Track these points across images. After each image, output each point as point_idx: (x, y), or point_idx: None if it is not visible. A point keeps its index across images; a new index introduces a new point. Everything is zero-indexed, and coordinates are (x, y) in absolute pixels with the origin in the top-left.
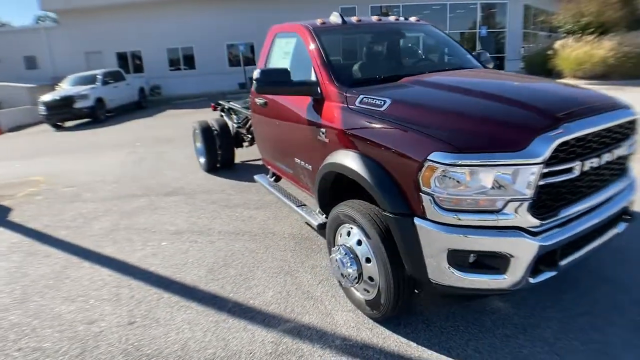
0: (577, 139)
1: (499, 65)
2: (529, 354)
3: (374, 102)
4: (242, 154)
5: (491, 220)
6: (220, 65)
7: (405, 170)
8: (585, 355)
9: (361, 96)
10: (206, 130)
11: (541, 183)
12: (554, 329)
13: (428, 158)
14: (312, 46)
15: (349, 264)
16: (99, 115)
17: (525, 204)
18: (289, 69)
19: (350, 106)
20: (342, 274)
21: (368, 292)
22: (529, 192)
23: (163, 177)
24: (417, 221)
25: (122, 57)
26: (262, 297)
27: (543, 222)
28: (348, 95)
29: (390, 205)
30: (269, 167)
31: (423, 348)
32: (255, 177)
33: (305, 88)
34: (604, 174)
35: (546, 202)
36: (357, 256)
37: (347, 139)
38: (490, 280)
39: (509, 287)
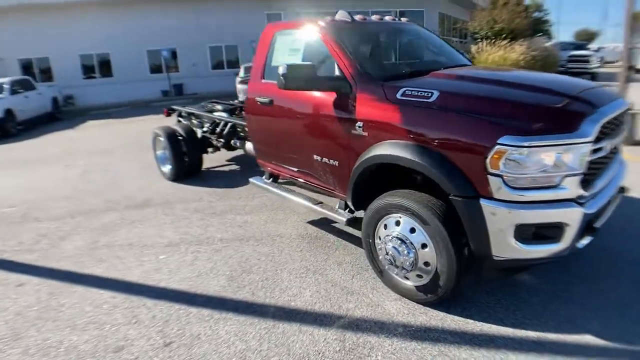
0: (607, 122)
1: None
2: (567, 314)
3: (419, 94)
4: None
5: (551, 195)
6: (141, 72)
7: (470, 155)
8: (610, 308)
9: (403, 89)
10: (172, 136)
11: (588, 159)
12: (580, 292)
13: (498, 142)
14: (333, 43)
15: (405, 252)
16: (9, 128)
17: (578, 178)
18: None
19: (391, 98)
20: (394, 264)
21: (421, 277)
22: (581, 168)
23: (123, 189)
24: (484, 202)
25: (26, 65)
26: (301, 298)
27: (586, 193)
28: (386, 88)
29: (457, 189)
30: (268, 169)
31: (480, 322)
32: (251, 180)
33: (334, 83)
34: (613, 153)
35: (586, 176)
36: (412, 244)
37: (395, 130)
38: (547, 249)
39: (560, 254)
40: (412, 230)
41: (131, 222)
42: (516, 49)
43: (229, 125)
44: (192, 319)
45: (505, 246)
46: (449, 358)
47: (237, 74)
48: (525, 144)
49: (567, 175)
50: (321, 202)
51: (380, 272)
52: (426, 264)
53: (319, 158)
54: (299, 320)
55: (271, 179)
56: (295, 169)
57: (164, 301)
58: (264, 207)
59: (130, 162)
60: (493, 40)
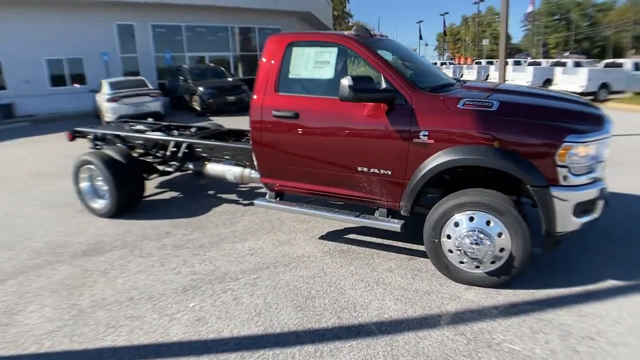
0: None
1: None
2: (601, 271)
3: (481, 104)
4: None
5: (592, 177)
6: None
7: (542, 152)
8: (629, 265)
9: (463, 100)
10: (111, 163)
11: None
12: (604, 255)
13: (564, 140)
14: (374, 56)
15: (487, 242)
16: None
17: (603, 164)
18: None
19: (454, 109)
20: (468, 256)
21: (494, 263)
22: (606, 156)
23: (48, 236)
24: (553, 189)
25: None
26: (389, 309)
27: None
28: (444, 99)
29: (535, 181)
30: (278, 186)
31: (551, 289)
32: (256, 202)
33: (391, 95)
34: None
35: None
36: (489, 234)
37: (467, 137)
38: (588, 219)
39: (592, 221)
40: (488, 223)
41: (102, 272)
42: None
43: (184, 145)
44: (300, 358)
45: (566, 222)
46: (549, 322)
47: (95, 91)
48: (583, 140)
49: (598, 162)
50: (361, 213)
51: (447, 268)
52: (501, 250)
53: (365, 169)
54: (408, 329)
55: (277, 198)
56: (324, 183)
57: (249, 352)
58: (256, 230)
59: (29, 197)
60: None
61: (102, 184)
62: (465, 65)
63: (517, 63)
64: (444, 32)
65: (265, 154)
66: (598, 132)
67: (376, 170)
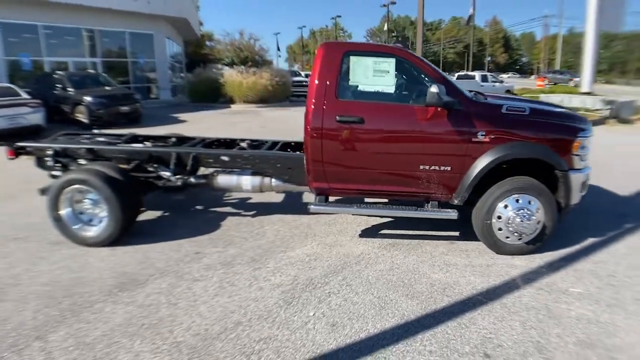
0: None
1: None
2: (584, 235)
3: (517, 109)
4: None
5: (587, 163)
6: None
7: (563, 145)
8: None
9: (504, 106)
10: (112, 181)
11: None
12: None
13: (578, 136)
14: (432, 68)
15: (534, 218)
16: None
17: (589, 155)
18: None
19: (499, 113)
20: (518, 231)
21: (532, 233)
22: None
23: (42, 276)
24: (570, 172)
25: None
26: (473, 283)
27: None
28: (490, 106)
29: (562, 167)
30: (336, 190)
31: (565, 250)
32: (312, 207)
33: (454, 101)
34: None
35: None
36: (531, 211)
37: (514, 135)
38: (584, 194)
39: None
40: (529, 202)
41: (169, 303)
42: (264, 75)
43: (191, 156)
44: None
45: (576, 196)
46: (582, 271)
47: None
48: (586, 135)
49: (587, 152)
50: (418, 208)
51: (495, 244)
52: (538, 222)
53: (427, 167)
54: (504, 293)
55: (326, 201)
56: (381, 183)
57: (405, 340)
58: (291, 238)
59: None
60: (242, 67)
61: (92, 208)
62: None
63: None
64: (303, 45)
65: (325, 158)
66: (590, 130)
67: (437, 168)
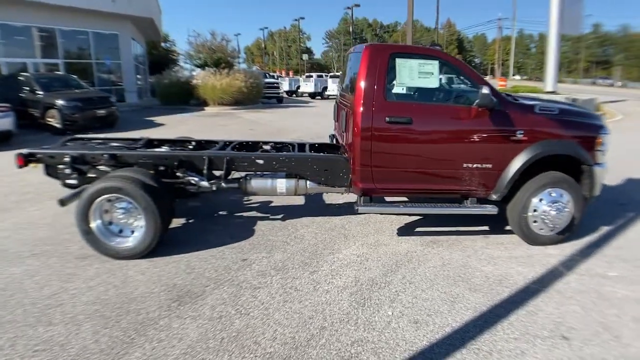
0: None
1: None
2: (615, 222)
3: (548, 109)
4: None
5: (605, 158)
6: None
7: (589, 142)
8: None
9: (536, 106)
10: (149, 188)
11: None
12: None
13: (600, 133)
14: (471, 70)
15: (566, 210)
16: None
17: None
18: None
19: (534, 112)
20: (552, 223)
21: (564, 224)
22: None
23: (83, 295)
24: (595, 166)
25: None
26: (523, 273)
27: None
28: (525, 106)
29: (589, 161)
30: (382, 191)
31: (586, 238)
32: (361, 208)
33: (496, 102)
34: None
35: None
36: (564, 203)
37: (548, 134)
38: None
39: None
40: (561, 195)
41: (241, 313)
42: (238, 76)
43: (225, 160)
44: None
45: (599, 188)
46: (610, 256)
47: None
48: (606, 133)
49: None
50: (459, 205)
51: (527, 236)
52: (569, 214)
53: (470, 165)
54: (554, 279)
55: (371, 201)
56: (426, 182)
57: (489, 330)
58: (332, 240)
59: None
60: (214, 68)
61: (125, 217)
62: (301, 78)
63: (319, 76)
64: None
65: (374, 159)
66: (607, 128)
67: (479, 165)
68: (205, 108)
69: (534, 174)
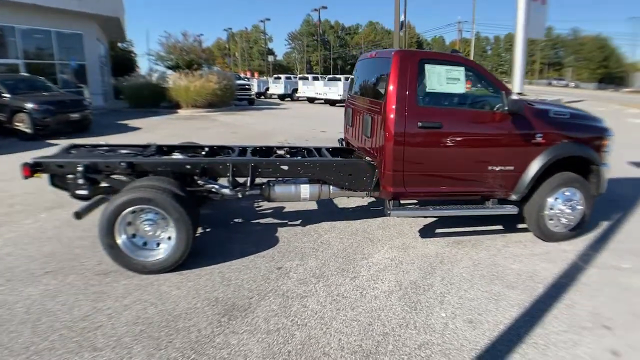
0: None
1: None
2: (611, 217)
3: (560, 113)
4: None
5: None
6: None
7: (598, 143)
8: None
9: (550, 111)
10: (179, 198)
11: None
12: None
13: (607, 135)
14: (494, 77)
15: (579, 208)
16: None
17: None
18: None
19: (549, 117)
20: (567, 220)
21: (577, 221)
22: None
23: (119, 315)
24: (603, 166)
25: None
26: (549, 269)
27: None
28: (540, 111)
29: (598, 162)
30: (411, 194)
31: (592, 233)
32: (395, 212)
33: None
34: None
35: None
36: (577, 202)
37: (563, 136)
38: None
39: None
40: (574, 194)
41: (299, 324)
42: (212, 78)
43: (250, 166)
44: None
45: (605, 185)
46: (621, 250)
47: None
48: (611, 135)
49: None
50: (484, 206)
51: (544, 233)
52: (581, 211)
53: (494, 167)
54: (578, 272)
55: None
56: (453, 185)
57: (541, 324)
58: (358, 244)
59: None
60: (186, 70)
61: (152, 229)
62: (270, 79)
63: (288, 78)
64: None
65: (406, 164)
66: (611, 130)
67: (502, 167)
68: (178, 111)
69: (547, 174)
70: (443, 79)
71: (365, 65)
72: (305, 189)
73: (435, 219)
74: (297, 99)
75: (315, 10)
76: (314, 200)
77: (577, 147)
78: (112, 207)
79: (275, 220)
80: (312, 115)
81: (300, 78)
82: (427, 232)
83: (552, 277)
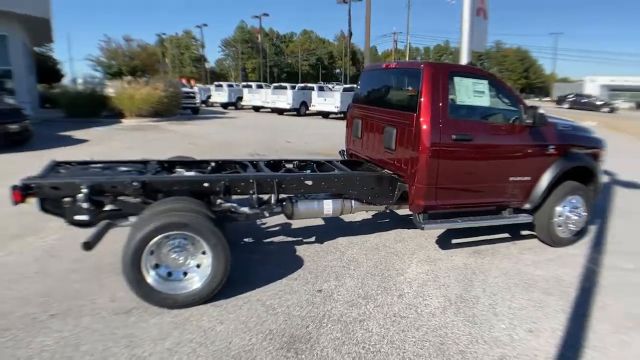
0: None
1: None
2: (595, 221)
3: (565, 126)
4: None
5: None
6: None
7: (596, 153)
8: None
9: (557, 124)
10: (215, 222)
11: None
12: None
13: (602, 146)
14: (511, 89)
15: (584, 214)
16: None
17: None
18: None
19: (557, 130)
20: (573, 226)
21: (580, 227)
22: None
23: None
24: (599, 174)
25: None
26: (569, 272)
27: None
28: (552, 123)
29: (597, 171)
30: (441, 207)
31: (592, 235)
32: (426, 226)
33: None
34: None
35: None
36: (581, 207)
37: (570, 147)
38: None
39: None
40: (578, 201)
41: (371, 350)
42: (158, 86)
43: (275, 182)
44: None
45: (600, 192)
46: (623, 252)
47: None
48: (605, 145)
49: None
50: (502, 216)
51: (552, 239)
52: (586, 217)
53: (515, 178)
54: (593, 273)
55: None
56: (478, 196)
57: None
58: (388, 257)
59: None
60: (130, 77)
61: (181, 258)
62: (212, 87)
63: (230, 86)
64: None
65: (440, 176)
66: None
67: (521, 178)
68: (122, 120)
69: (555, 184)
70: (470, 92)
71: (378, 75)
72: (328, 205)
73: (442, 229)
74: (242, 108)
75: (257, 17)
76: (336, 215)
77: (583, 157)
78: (141, 235)
79: (289, 238)
80: (266, 124)
81: (245, 86)
82: (443, 243)
83: (577, 282)
